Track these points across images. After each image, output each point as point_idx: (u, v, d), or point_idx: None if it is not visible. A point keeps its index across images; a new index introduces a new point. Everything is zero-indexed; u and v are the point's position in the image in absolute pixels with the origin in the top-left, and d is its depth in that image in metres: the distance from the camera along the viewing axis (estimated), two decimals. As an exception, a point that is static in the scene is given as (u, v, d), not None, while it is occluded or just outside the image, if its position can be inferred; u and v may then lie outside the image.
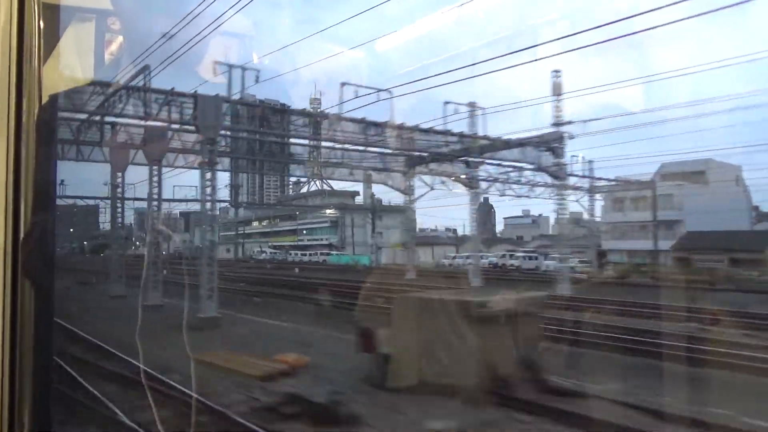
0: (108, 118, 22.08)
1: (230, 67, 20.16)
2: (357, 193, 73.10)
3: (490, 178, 31.79)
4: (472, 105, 26.34)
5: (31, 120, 1.47)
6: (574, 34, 11.86)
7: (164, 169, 25.35)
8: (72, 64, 1.62)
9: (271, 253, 77.51)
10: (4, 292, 1.41)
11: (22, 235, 1.45)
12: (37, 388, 1.49)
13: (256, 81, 20.16)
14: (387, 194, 67.04)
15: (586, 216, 44.35)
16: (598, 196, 42.20)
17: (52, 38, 1.52)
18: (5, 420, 1.41)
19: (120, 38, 1.75)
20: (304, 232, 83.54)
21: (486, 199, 52.11)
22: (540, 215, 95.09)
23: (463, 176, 31.02)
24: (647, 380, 10.06)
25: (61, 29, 1.54)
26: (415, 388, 9.10)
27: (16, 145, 1.46)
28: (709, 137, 64.11)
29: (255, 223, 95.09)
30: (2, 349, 1.40)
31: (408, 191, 33.67)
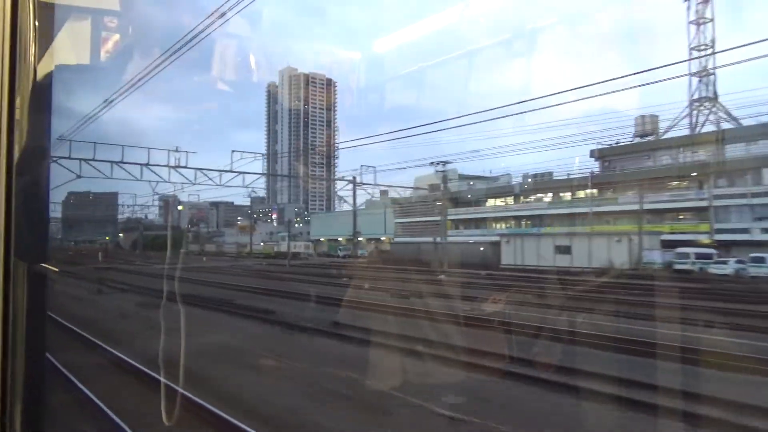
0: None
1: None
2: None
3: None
4: None
5: (24, 116, 1.50)
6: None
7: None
8: (67, 62, 1.65)
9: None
10: None
11: (13, 230, 1.46)
12: (28, 386, 1.48)
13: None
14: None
15: None
16: None
17: (47, 36, 1.54)
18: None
19: (116, 37, 1.78)
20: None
21: None
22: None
23: None
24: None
25: (56, 28, 1.56)
26: None
27: (8, 141, 1.48)
28: None
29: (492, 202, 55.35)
30: None
31: None
